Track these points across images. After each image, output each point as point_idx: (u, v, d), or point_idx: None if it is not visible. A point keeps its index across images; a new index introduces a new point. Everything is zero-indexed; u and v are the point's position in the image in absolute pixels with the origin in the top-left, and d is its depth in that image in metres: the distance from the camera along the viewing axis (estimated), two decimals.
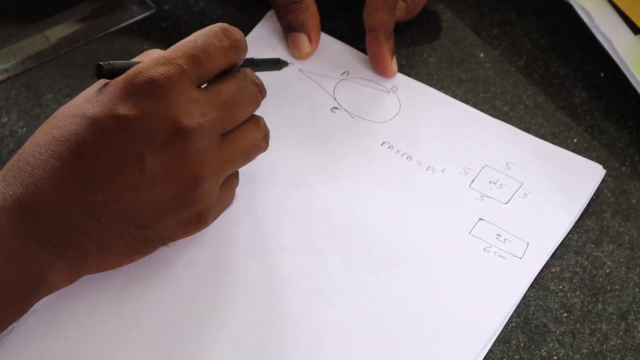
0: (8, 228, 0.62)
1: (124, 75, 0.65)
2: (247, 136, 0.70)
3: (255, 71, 0.72)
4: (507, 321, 0.71)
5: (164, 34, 0.86)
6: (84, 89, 0.80)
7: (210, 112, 0.66)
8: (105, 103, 0.64)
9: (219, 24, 0.69)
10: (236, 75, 0.69)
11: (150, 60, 0.66)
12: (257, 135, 0.71)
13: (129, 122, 0.64)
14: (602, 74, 0.85)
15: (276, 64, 0.81)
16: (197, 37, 0.68)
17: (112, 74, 0.66)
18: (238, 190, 0.72)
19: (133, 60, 0.69)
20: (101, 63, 0.66)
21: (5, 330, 0.65)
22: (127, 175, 0.64)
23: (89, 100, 0.65)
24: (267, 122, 0.74)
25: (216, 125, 0.67)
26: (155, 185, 0.65)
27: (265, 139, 0.72)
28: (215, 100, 0.67)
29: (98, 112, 0.64)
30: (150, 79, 0.64)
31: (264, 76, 0.81)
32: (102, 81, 0.67)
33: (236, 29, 0.69)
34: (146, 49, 0.85)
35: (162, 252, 0.70)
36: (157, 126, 0.64)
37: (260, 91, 0.71)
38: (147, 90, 0.64)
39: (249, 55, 0.72)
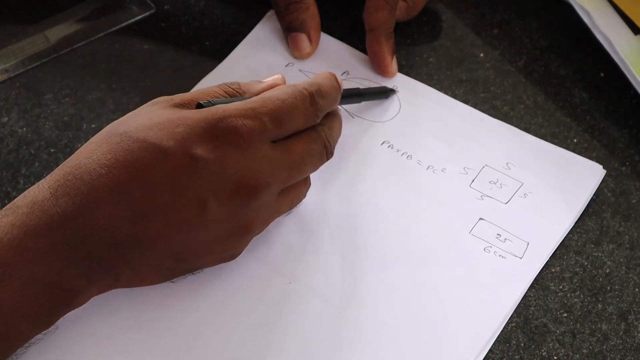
0: (50, 247, 0.61)
1: (208, 115, 0.64)
2: (296, 192, 0.71)
3: (361, 102, 0.73)
4: (507, 321, 0.72)
5: (164, 34, 0.86)
6: (84, 89, 0.80)
7: (280, 173, 0.66)
8: (182, 138, 0.63)
9: (311, 88, 0.69)
10: (311, 135, 0.69)
11: (237, 108, 0.65)
12: (304, 191, 0.72)
13: (202, 165, 0.63)
14: (602, 74, 0.85)
15: (384, 93, 0.81)
16: (286, 97, 0.67)
17: None
18: None
19: (213, 87, 0.69)
20: (202, 102, 0.66)
21: (26, 344, 0.64)
22: (186, 216, 0.63)
23: (163, 128, 0.63)
24: None
25: (280, 184, 0.67)
26: (208, 229, 0.64)
27: (308, 189, 0.73)
28: (286, 160, 0.67)
29: (173, 146, 0.63)
30: (234, 129, 0.64)
31: (266, 74, 0.81)
32: (172, 103, 0.66)
33: (324, 92, 0.70)
34: (146, 49, 0.85)
35: None
36: (229, 176, 0.64)
37: (327, 154, 0.71)
38: (229, 138, 0.64)
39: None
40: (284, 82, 0.72)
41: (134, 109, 0.81)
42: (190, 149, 0.63)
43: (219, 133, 0.63)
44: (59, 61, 0.84)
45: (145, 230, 0.63)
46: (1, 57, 0.84)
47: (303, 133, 0.69)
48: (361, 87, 0.81)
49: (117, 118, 0.80)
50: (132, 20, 0.87)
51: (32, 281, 0.61)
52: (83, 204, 0.62)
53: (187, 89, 0.82)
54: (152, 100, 0.68)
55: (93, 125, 0.80)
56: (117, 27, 0.86)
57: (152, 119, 0.64)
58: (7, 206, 0.63)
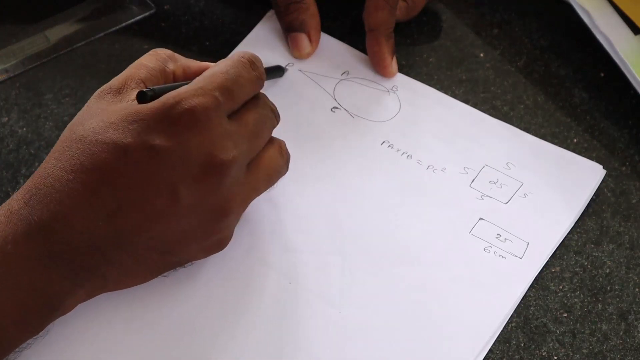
0: (31, 254, 0.62)
1: (160, 104, 0.64)
2: (270, 163, 0.70)
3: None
4: (507, 321, 0.71)
5: (164, 34, 0.86)
6: (84, 89, 0.80)
7: (242, 144, 0.66)
8: (139, 132, 0.63)
9: (247, 55, 0.69)
10: (257, 104, 0.69)
11: (186, 90, 0.65)
12: (280, 162, 0.71)
13: (165, 154, 0.63)
14: (602, 74, 0.85)
15: (278, 71, 0.82)
16: (228, 68, 0.67)
17: (155, 98, 0.65)
18: None
19: (139, 60, 0.69)
20: (144, 91, 0.65)
21: (16, 349, 0.65)
22: (158, 205, 0.63)
23: (119, 127, 0.64)
24: None
25: (246, 156, 0.67)
26: (185, 216, 0.64)
27: (287, 163, 0.72)
28: (244, 131, 0.67)
29: (131, 142, 0.63)
30: (190, 110, 0.64)
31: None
32: (114, 90, 0.67)
33: (257, 57, 0.70)
34: (146, 49, 0.85)
35: None
36: (193, 159, 0.64)
37: (276, 117, 0.71)
38: (185, 121, 0.63)
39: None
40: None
41: None
42: (149, 140, 0.63)
43: (175, 119, 0.63)
44: (59, 61, 0.84)
45: (122, 228, 0.63)
46: (1, 57, 0.84)
47: (250, 103, 0.68)
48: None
49: None
50: (132, 20, 0.87)
51: (17, 288, 0.62)
52: (57, 210, 0.63)
53: None
54: (96, 94, 0.68)
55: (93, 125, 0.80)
56: (117, 27, 0.86)
57: (105, 119, 0.64)
58: None
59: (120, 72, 0.83)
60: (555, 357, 0.70)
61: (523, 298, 0.73)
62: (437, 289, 0.72)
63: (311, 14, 0.84)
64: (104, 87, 0.68)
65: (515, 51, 0.87)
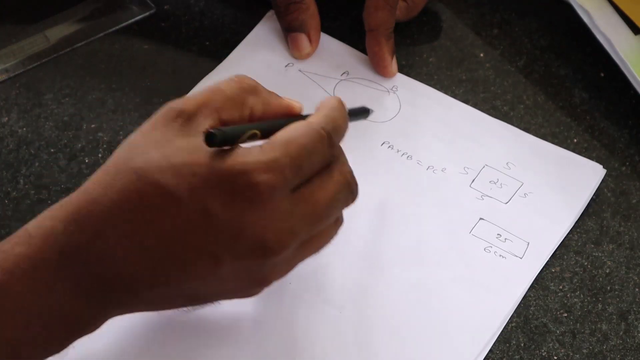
0: (61, 281, 0.60)
1: (225, 167, 0.60)
2: (324, 239, 0.66)
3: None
4: (507, 321, 0.72)
5: (164, 34, 0.86)
6: (84, 89, 0.80)
7: (300, 229, 0.62)
8: (197, 188, 0.59)
9: (328, 127, 0.63)
10: (333, 179, 0.64)
11: (258, 162, 0.60)
12: (333, 235, 0.67)
13: (216, 221, 0.60)
14: (602, 74, 0.85)
15: (363, 113, 0.77)
16: (306, 140, 0.62)
17: (224, 141, 0.60)
18: None
19: (219, 84, 0.64)
20: (213, 132, 0.59)
21: None
22: (198, 269, 0.61)
23: (179, 174, 0.60)
24: None
25: (301, 239, 0.63)
26: (222, 280, 0.62)
27: (337, 233, 0.67)
28: (308, 214, 0.62)
29: (187, 196, 0.59)
30: (255, 185, 0.59)
31: (266, 74, 0.81)
32: (184, 118, 0.62)
33: (338, 129, 0.65)
34: (146, 49, 0.85)
35: None
36: (243, 237, 0.60)
37: (353, 197, 0.66)
38: (248, 196, 0.60)
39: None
40: (301, 109, 0.68)
41: (133, 109, 0.81)
42: (205, 202, 0.60)
43: (237, 189, 0.60)
44: (59, 61, 0.84)
45: (157, 275, 0.61)
46: (1, 57, 0.84)
47: (325, 178, 0.64)
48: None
49: (117, 118, 0.80)
50: (132, 20, 0.87)
51: (42, 312, 0.60)
52: (96, 243, 0.60)
53: (187, 89, 0.82)
54: (164, 111, 0.63)
55: (93, 125, 0.80)
56: (117, 27, 0.86)
57: (168, 157, 0.60)
58: (20, 233, 0.62)
59: (120, 72, 0.83)
60: (555, 357, 0.71)
61: (523, 298, 0.73)
62: (437, 289, 0.72)
63: (311, 14, 0.84)
64: (175, 106, 0.63)
65: (515, 51, 0.87)
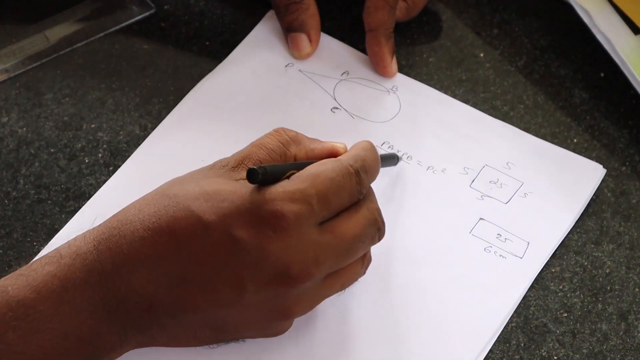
0: (87, 304, 0.61)
1: (255, 195, 0.61)
2: (350, 275, 0.67)
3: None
4: (507, 321, 0.72)
5: (164, 34, 0.86)
6: (84, 89, 0.80)
7: (326, 259, 0.63)
8: (224, 215, 0.61)
9: (356, 165, 0.65)
10: (361, 215, 0.65)
11: (285, 191, 0.62)
12: (360, 272, 0.67)
13: (242, 248, 0.61)
14: (602, 74, 0.85)
15: (392, 159, 0.77)
16: (334, 175, 0.64)
17: (265, 179, 0.62)
18: None
19: (261, 140, 0.66)
20: (254, 168, 0.61)
21: None
22: (222, 293, 0.62)
23: (209, 200, 0.62)
24: (267, 123, 0.74)
25: (327, 271, 0.64)
26: (246, 308, 0.63)
27: (365, 269, 0.68)
28: (334, 245, 0.63)
29: (215, 222, 0.61)
30: (280, 214, 0.61)
31: (266, 74, 0.81)
32: (229, 166, 0.64)
33: (366, 167, 0.66)
34: (146, 49, 0.85)
35: None
36: (268, 264, 0.61)
37: (380, 235, 0.67)
38: (273, 224, 0.61)
39: None
40: (345, 149, 0.69)
41: (134, 109, 0.81)
42: (232, 228, 0.61)
43: (263, 217, 0.61)
44: (59, 61, 0.84)
45: (181, 301, 0.62)
46: (1, 57, 0.84)
47: (354, 213, 0.65)
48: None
49: (117, 118, 0.81)
50: (132, 20, 0.87)
51: (65, 335, 0.61)
52: (122, 265, 0.61)
53: (187, 89, 0.82)
54: (213, 164, 0.66)
55: (93, 125, 0.80)
56: (117, 27, 0.86)
57: (202, 186, 0.63)
58: (51, 253, 0.63)
59: (120, 72, 0.84)
60: (555, 357, 0.71)
61: (523, 298, 0.73)
62: (438, 289, 0.72)
63: (311, 14, 0.84)
64: (222, 161, 0.66)
65: (515, 51, 0.87)
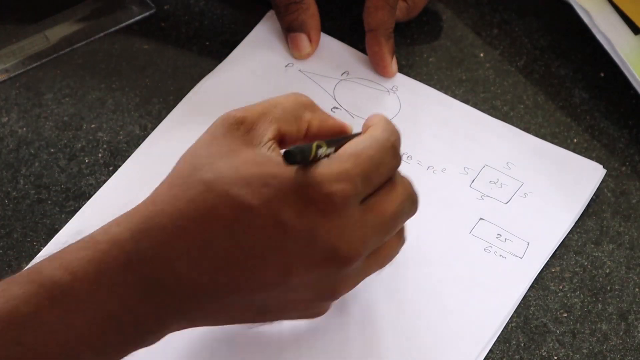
0: (125, 287, 0.60)
1: (299, 177, 0.60)
2: (389, 251, 0.67)
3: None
4: (507, 321, 0.72)
5: (164, 34, 0.86)
6: (84, 89, 0.80)
7: (370, 239, 0.62)
8: (270, 200, 0.60)
9: (392, 137, 0.65)
10: (398, 191, 0.64)
11: (331, 173, 0.61)
12: (398, 249, 0.67)
13: (289, 231, 0.60)
14: (602, 74, 0.85)
15: None
16: (374, 152, 0.63)
17: (302, 159, 0.60)
18: None
19: (277, 98, 0.65)
20: (291, 151, 0.59)
21: None
22: (267, 277, 0.61)
23: (250, 185, 0.60)
24: None
25: (370, 249, 0.64)
26: (291, 291, 0.62)
27: (402, 246, 0.68)
28: (377, 223, 0.63)
29: (259, 206, 0.60)
30: (328, 196, 0.60)
31: (266, 74, 0.81)
32: (244, 128, 0.63)
33: (399, 138, 0.66)
34: (146, 49, 0.85)
35: None
36: (317, 246, 0.61)
37: (415, 209, 0.66)
38: (321, 206, 0.60)
39: None
40: (352, 130, 0.69)
41: (134, 109, 0.81)
42: (278, 212, 0.60)
43: (311, 200, 0.60)
44: (59, 61, 0.84)
45: (224, 286, 0.61)
46: (1, 57, 0.84)
47: (391, 190, 0.64)
48: None
49: (117, 118, 0.81)
50: (132, 20, 0.87)
51: (102, 317, 0.60)
52: (162, 253, 0.60)
53: (187, 89, 0.82)
54: (223, 121, 0.64)
55: (93, 125, 0.80)
56: (117, 27, 0.86)
57: (236, 168, 0.61)
58: (85, 238, 0.62)
59: (120, 72, 0.83)
60: (555, 357, 0.71)
61: (523, 298, 0.73)
62: (438, 289, 0.72)
63: (311, 14, 0.84)
64: (236, 116, 0.64)
65: (515, 51, 0.87)
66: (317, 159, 0.61)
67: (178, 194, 0.61)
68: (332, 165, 0.61)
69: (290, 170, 0.61)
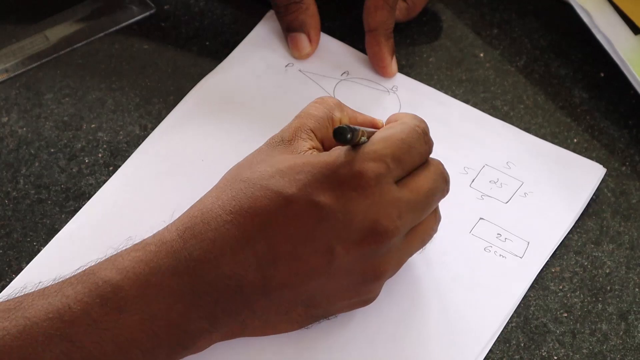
0: (174, 289, 0.62)
1: (330, 160, 0.63)
2: (427, 229, 0.68)
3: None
4: (507, 321, 0.72)
5: (164, 34, 0.86)
6: (84, 89, 0.80)
7: (407, 214, 0.64)
8: (305, 185, 0.62)
9: (422, 124, 0.67)
10: (430, 171, 0.67)
11: (360, 153, 0.63)
12: (435, 226, 0.69)
13: (327, 213, 0.62)
14: (602, 74, 0.85)
15: None
16: (404, 135, 0.65)
17: (352, 137, 0.62)
18: None
19: (307, 109, 0.68)
20: (343, 127, 0.61)
21: None
22: (312, 263, 0.62)
23: (285, 175, 0.63)
24: (268, 123, 0.74)
25: (408, 226, 0.65)
26: (337, 275, 0.63)
27: (438, 225, 0.70)
28: (412, 200, 0.65)
29: (295, 193, 0.62)
30: (360, 173, 0.62)
31: (266, 74, 0.81)
32: (287, 140, 0.66)
33: (427, 126, 0.68)
34: (146, 49, 0.85)
35: None
36: (356, 223, 0.62)
37: (447, 188, 0.68)
38: (354, 184, 0.62)
39: None
40: (383, 124, 0.71)
41: (134, 109, 0.81)
42: (314, 196, 0.62)
43: (343, 179, 0.62)
44: (59, 61, 0.84)
45: (272, 279, 0.62)
46: (1, 57, 0.84)
47: (424, 170, 0.66)
48: None
49: (117, 118, 0.81)
50: (132, 20, 0.87)
51: (153, 318, 0.61)
52: (209, 249, 0.62)
53: (187, 89, 0.82)
54: (267, 142, 0.67)
55: (93, 125, 0.80)
56: (117, 27, 0.86)
57: (273, 165, 0.64)
58: (137, 243, 0.64)
59: (120, 72, 0.84)
60: (555, 357, 0.71)
61: (523, 298, 0.73)
62: (438, 289, 0.72)
63: (311, 14, 0.84)
64: (275, 137, 0.67)
65: (515, 51, 0.87)
66: (359, 144, 0.64)
67: (221, 194, 0.64)
68: (362, 148, 0.63)
69: (322, 156, 0.63)
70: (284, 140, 0.66)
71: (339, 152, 0.64)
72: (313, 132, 0.67)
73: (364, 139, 0.64)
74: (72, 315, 0.60)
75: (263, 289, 0.63)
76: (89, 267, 0.63)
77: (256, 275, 0.62)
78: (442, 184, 0.67)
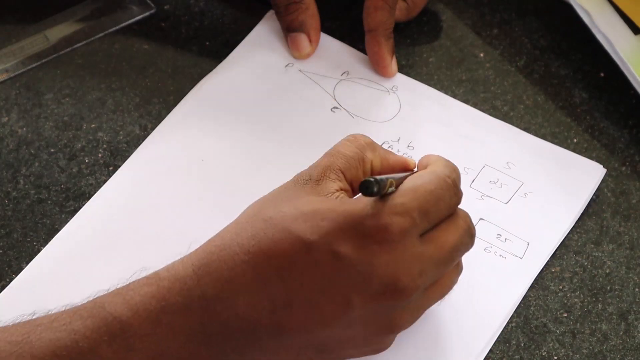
0: (184, 329, 0.61)
1: (355, 210, 0.61)
2: (447, 283, 0.66)
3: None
4: (507, 321, 0.72)
5: (164, 34, 0.86)
6: (84, 89, 0.80)
7: (429, 271, 0.62)
8: (326, 233, 0.60)
9: (452, 175, 0.65)
10: (457, 225, 0.65)
11: (387, 205, 0.61)
12: (455, 279, 0.67)
13: (347, 263, 0.60)
14: (602, 74, 0.85)
15: None
16: (433, 187, 0.63)
17: (379, 190, 0.60)
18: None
19: (337, 147, 0.66)
20: (370, 180, 0.59)
21: None
22: (327, 311, 0.61)
23: (308, 220, 0.61)
24: (267, 123, 0.74)
25: (429, 282, 0.64)
26: (351, 325, 0.62)
27: (458, 277, 0.68)
28: (436, 256, 0.63)
29: (317, 240, 0.60)
30: (385, 227, 0.60)
31: (266, 74, 0.81)
32: (314, 180, 0.64)
33: (459, 176, 0.66)
34: (146, 49, 0.85)
35: None
36: (375, 277, 0.61)
37: (472, 243, 0.66)
38: (378, 238, 0.60)
39: None
40: (415, 166, 0.69)
41: (134, 109, 0.81)
42: (335, 245, 0.60)
43: (368, 232, 0.60)
44: (59, 61, 0.84)
45: (285, 324, 0.61)
46: (1, 57, 0.84)
47: (450, 223, 0.65)
48: None
49: (117, 118, 0.81)
50: (132, 20, 0.87)
51: (160, 357, 0.60)
52: (224, 289, 0.61)
53: (187, 89, 0.82)
54: (294, 179, 0.65)
55: (93, 125, 0.80)
56: (117, 27, 0.86)
57: (297, 207, 0.62)
58: (150, 275, 0.62)
59: (120, 72, 0.84)
60: (555, 357, 0.71)
61: (523, 298, 0.73)
62: None
63: (311, 14, 0.84)
64: (303, 175, 0.65)
65: (515, 51, 0.87)
66: (387, 194, 0.62)
67: (240, 232, 0.62)
68: (389, 199, 0.62)
69: (348, 204, 0.61)
70: (312, 179, 0.64)
71: (365, 201, 0.62)
72: (342, 173, 0.65)
73: (392, 189, 0.62)
74: (80, 353, 0.59)
75: (275, 332, 0.61)
76: (100, 297, 0.62)
77: (270, 318, 0.61)
78: (467, 238, 0.66)
